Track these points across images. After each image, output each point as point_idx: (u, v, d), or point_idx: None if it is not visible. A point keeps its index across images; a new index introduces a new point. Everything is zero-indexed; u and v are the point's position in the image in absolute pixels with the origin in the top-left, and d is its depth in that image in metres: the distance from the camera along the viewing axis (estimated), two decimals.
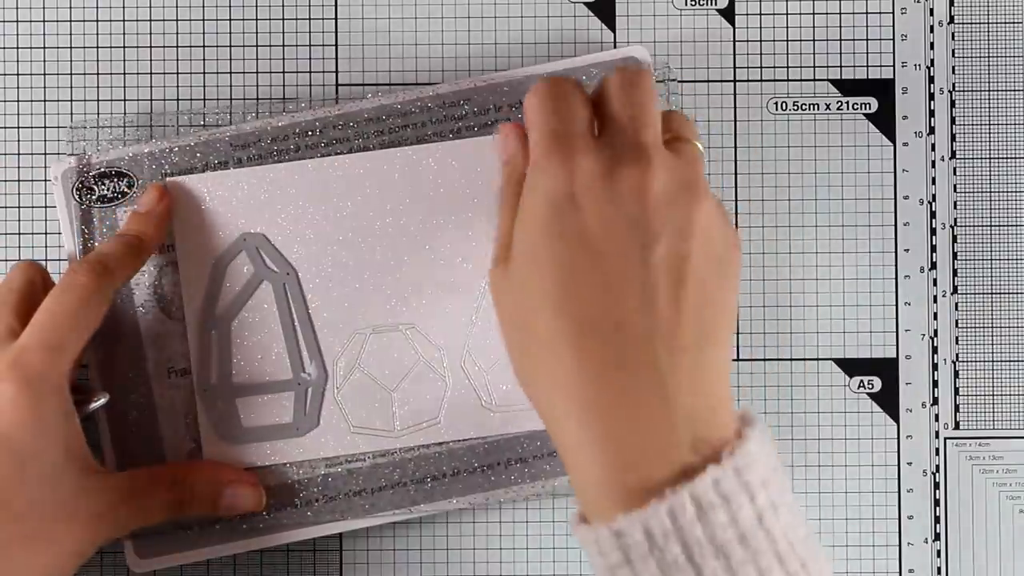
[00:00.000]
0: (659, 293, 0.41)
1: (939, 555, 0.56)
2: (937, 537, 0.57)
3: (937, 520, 0.57)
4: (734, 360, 0.57)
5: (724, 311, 0.44)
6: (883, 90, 0.57)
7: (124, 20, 0.57)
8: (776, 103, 0.57)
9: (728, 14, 0.57)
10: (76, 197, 0.54)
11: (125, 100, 0.57)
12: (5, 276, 0.52)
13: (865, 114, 0.57)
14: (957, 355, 0.57)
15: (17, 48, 0.57)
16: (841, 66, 0.57)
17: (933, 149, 0.57)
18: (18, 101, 0.57)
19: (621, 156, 0.43)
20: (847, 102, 0.57)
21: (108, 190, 0.54)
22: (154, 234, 0.53)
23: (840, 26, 0.57)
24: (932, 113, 0.57)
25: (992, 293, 0.57)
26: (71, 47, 0.57)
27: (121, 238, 0.52)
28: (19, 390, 0.47)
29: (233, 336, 0.54)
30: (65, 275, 0.50)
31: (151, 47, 0.57)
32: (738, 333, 0.57)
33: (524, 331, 0.44)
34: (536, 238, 0.43)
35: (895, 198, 0.57)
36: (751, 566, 0.39)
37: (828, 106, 0.57)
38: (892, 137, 0.57)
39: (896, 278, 0.57)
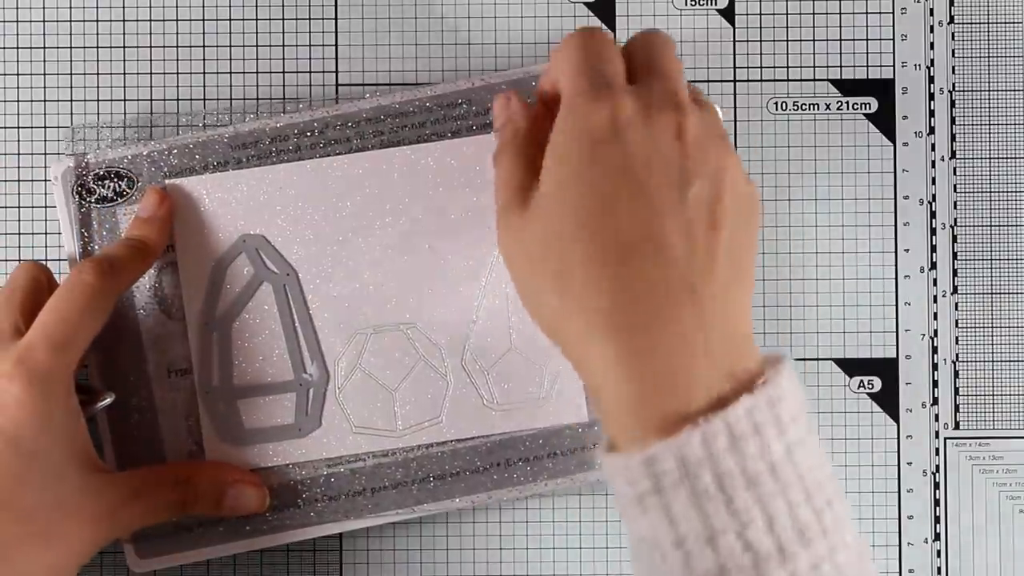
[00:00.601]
0: (696, 227, 0.42)
1: (939, 555, 0.57)
2: (937, 537, 0.57)
3: (937, 520, 0.57)
4: None
5: (750, 255, 0.45)
6: (883, 90, 0.57)
7: (124, 20, 0.57)
8: (776, 103, 0.57)
9: (728, 14, 0.57)
10: (76, 197, 0.54)
11: (125, 100, 0.57)
12: (9, 275, 0.52)
13: (865, 114, 0.57)
14: (957, 355, 0.57)
15: (17, 48, 0.57)
16: (841, 66, 0.57)
17: (933, 149, 0.57)
18: (18, 101, 0.57)
19: (658, 102, 0.43)
20: (847, 102, 0.57)
21: (108, 190, 0.54)
22: (157, 238, 0.53)
23: (840, 26, 0.57)
24: (932, 113, 0.57)
25: (992, 293, 0.57)
26: (71, 47, 0.57)
27: (126, 242, 0.52)
28: (25, 388, 0.47)
29: (234, 337, 0.54)
30: (71, 274, 0.50)
31: (151, 47, 0.57)
32: None
33: (554, 264, 0.43)
34: (574, 168, 0.43)
35: (895, 198, 0.57)
36: (780, 499, 0.39)
37: (828, 106, 0.57)
38: (892, 137, 0.57)
39: (896, 278, 0.57)
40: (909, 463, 0.57)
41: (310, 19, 0.57)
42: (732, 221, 0.43)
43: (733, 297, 0.43)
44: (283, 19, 0.57)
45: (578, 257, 0.42)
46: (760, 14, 0.57)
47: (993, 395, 0.57)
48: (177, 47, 0.57)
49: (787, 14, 0.57)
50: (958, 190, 0.57)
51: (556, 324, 0.44)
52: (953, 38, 0.57)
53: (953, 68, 0.57)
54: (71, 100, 0.57)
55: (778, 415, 0.39)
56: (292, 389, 0.54)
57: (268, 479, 0.54)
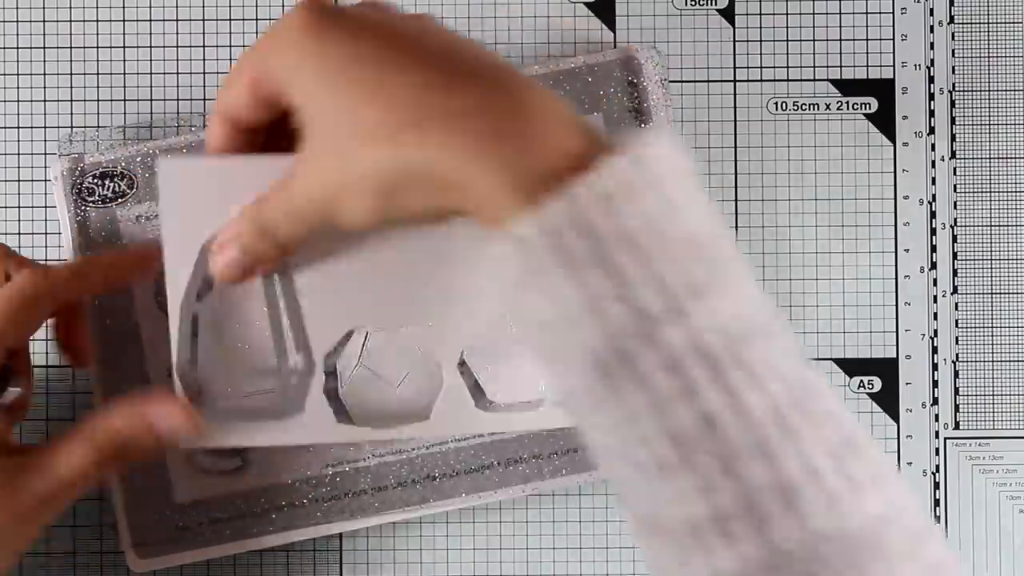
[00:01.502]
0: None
1: None
2: None
3: (937, 520, 0.57)
4: None
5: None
6: (883, 90, 0.57)
7: (124, 20, 0.57)
8: (776, 103, 0.57)
9: (728, 14, 0.57)
10: (76, 197, 0.54)
11: (125, 100, 0.57)
12: None
13: (865, 114, 0.57)
14: (957, 355, 0.57)
15: (17, 48, 0.57)
16: (841, 66, 0.57)
17: (933, 149, 0.57)
18: (18, 101, 0.57)
19: None
20: (847, 102, 0.57)
21: (108, 190, 0.54)
22: (103, 280, 0.51)
23: (840, 26, 0.57)
24: (932, 113, 0.57)
25: (992, 293, 0.57)
26: (71, 47, 0.57)
27: (77, 264, 0.52)
28: None
29: (217, 322, 0.54)
30: (23, 274, 0.48)
31: (151, 47, 0.57)
32: None
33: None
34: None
35: (895, 198, 0.57)
36: (664, 256, 0.35)
37: (828, 106, 0.57)
38: (892, 137, 0.57)
39: (896, 278, 0.57)
40: (909, 463, 0.57)
41: None
42: None
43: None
44: None
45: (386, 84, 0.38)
46: (760, 14, 0.57)
47: (993, 395, 0.57)
48: (177, 47, 0.57)
49: (787, 14, 0.57)
50: (958, 190, 0.57)
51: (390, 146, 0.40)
52: (953, 38, 0.57)
53: (953, 68, 0.57)
54: (71, 100, 0.57)
55: (652, 172, 0.36)
56: (273, 375, 0.53)
57: (270, 479, 0.54)
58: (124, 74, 0.57)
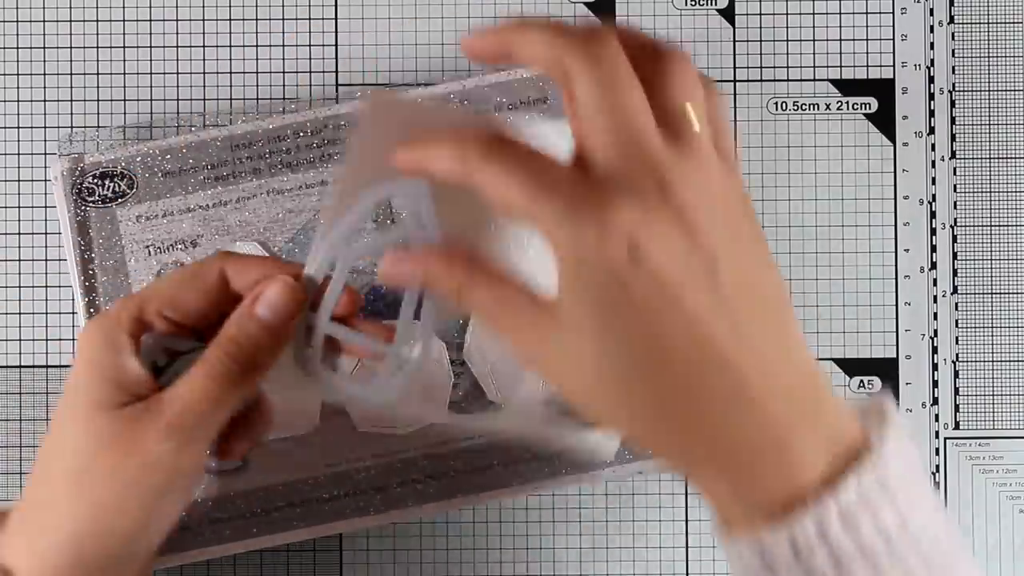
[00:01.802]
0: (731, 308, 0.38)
1: None
2: None
3: None
4: None
5: (777, 285, 0.40)
6: (883, 90, 0.57)
7: (124, 20, 0.57)
8: (776, 103, 0.57)
9: (728, 14, 0.57)
10: (76, 197, 0.54)
11: (125, 100, 0.57)
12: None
13: (865, 114, 0.57)
14: (957, 355, 0.57)
15: (17, 48, 0.57)
16: (841, 66, 0.57)
17: (933, 149, 0.57)
18: (18, 101, 0.57)
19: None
20: (847, 102, 0.57)
21: (108, 190, 0.54)
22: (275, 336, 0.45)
23: (840, 26, 0.57)
24: (932, 113, 0.57)
25: (992, 293, 0.57)
26: (71, 47, 0.57)
27: (260, 325, 0.45)
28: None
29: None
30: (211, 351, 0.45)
31: (151, 47, 0.57)
32: None
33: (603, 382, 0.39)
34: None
35: (895, 198, 0.57)
36: (898, 569, 0.37)
37: (828, 106, 0.57)
38: (892, 137, 0.57)
39: (896, 278, 0.57)
40: None
41: (310, 19, 0.57)
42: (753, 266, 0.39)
43: (783, 351, 0.39)
44: (283, 19, 0.57)
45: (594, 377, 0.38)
46: (760, 14, 0.57)
47: (993, 395, 0.57)
48: (177, 47, 0.57)
49: (787, 14, 0.57)
50: (958, 190, 0.57)
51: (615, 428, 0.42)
52: (953, 38, 0.57)
53: (953, 68, 0.57)
54: (71, 100, 0.57)
55: (885, 482, 0.37)
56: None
57: (270, 479, 0.54)
58: (124, 74, 0.57)
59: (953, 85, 0.57)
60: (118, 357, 0.44)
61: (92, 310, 0.54)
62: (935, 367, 0.57)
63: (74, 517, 0.44)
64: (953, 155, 0.57)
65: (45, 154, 0.57)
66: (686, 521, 0.56)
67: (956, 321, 0.57)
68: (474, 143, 0.38)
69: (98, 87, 0.57)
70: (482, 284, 0.39)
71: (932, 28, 0.57)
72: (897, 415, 0.39)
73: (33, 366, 0.56)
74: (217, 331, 0.45)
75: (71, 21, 0.57)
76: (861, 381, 0.57)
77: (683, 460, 0.39)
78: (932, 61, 0.57)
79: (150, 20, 0.57)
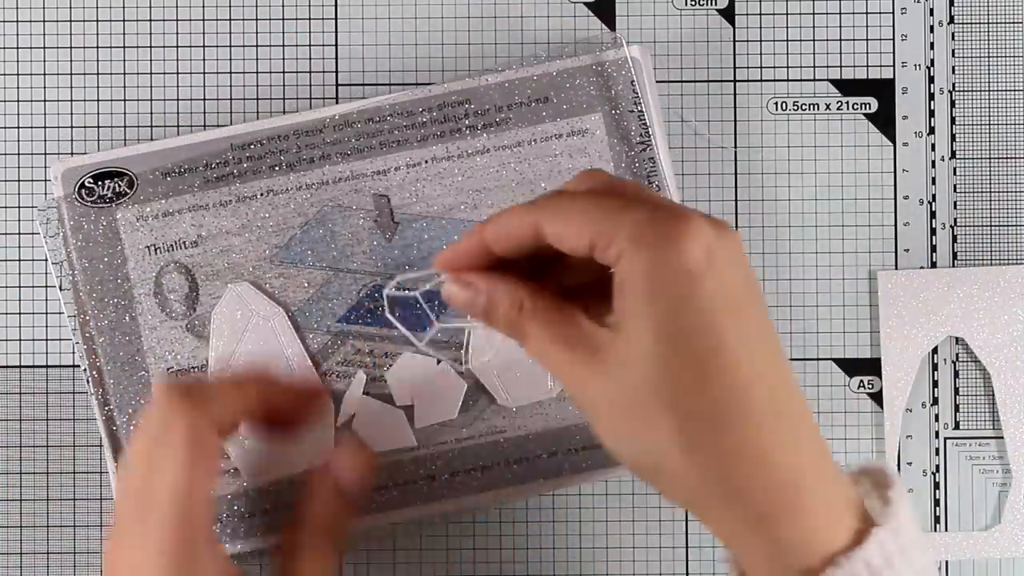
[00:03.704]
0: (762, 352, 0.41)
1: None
2: None
3: (937, 520, 0.57)
4: None
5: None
6: (883, 90, 0.57)
7: (124, 20, 0.57)
8: (776, 103, 0.57)
9: (728, 14, 0.57)
10: (75, 197, 0.54)
11: (125, 100, 0.57)
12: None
13: (865, 114, 0.57)
14: (957, 355, 0.57)
15: (17, 48, 0.57)
16: (841, 66, 0.57)
17: (933, 149, 0.57)
18: (18, 101, 0.57)
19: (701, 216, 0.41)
20: (847, 102, 0.57)
21: (108, 190, 0.54)
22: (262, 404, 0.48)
23: (840, 26, 0.57)
24: (932, 113, 0.57)
25: None
26: (71, 47, 0.57)
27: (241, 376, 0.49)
28: None
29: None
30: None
31: (151, 47, 0.57)
32: None
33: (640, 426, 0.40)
34: (671, 313, 0.39)
35: (895, 198, 0.57)
36: None
37: (828, 106, 0.57)
38: (892, 137, 0.57)
39: None
40: (909, 463, 0.57)
41: (310, 19, 0.57)
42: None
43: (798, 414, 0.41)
44: (283, 19, 0.57)
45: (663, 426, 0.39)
46: (760, 14, 0.57)
47: (993, 395, 0.57)
48: (177, 47, 0.57)
49: (787, 14, 0.57)
50: (958, 190, 0.57)
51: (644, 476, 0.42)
52: (953, 38, 0.57)
53: (953, 68, 0.57)
54: (71, 100, 0.57)
55: (903, 544, 0.39)
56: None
57: (269, 479, 0.54)
58: (124, 74, 0.57)
59: (953, 85, 0.57)
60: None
61: (90, 311, 0.54)
62: (935, 367, 0.57)
63: None
64: (953, 155, 0.57)
65: (45, 154, 0.56)
66: (686, 521, 0.57)
67: None
68: (542, 198, 0.41)
69: (98, 87, 0.57)
70: (539, 320, 0.41)
71: (932, 28, 0.57)
72: (900, 482, 0.42)
73: (33, 366, 0.56)
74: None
75: (71, 21, 0.57)
76: (861, 381, 0.57)
77: (712, 496, 0.40)
78: (932, 61, 0.57)
79: (150, 20, 0.57)
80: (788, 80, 0.57)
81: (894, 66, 0.57)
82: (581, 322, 0.41)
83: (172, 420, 0.44)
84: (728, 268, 0.39)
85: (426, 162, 0.55)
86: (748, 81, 0.57)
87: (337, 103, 0.56)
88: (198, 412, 0.44)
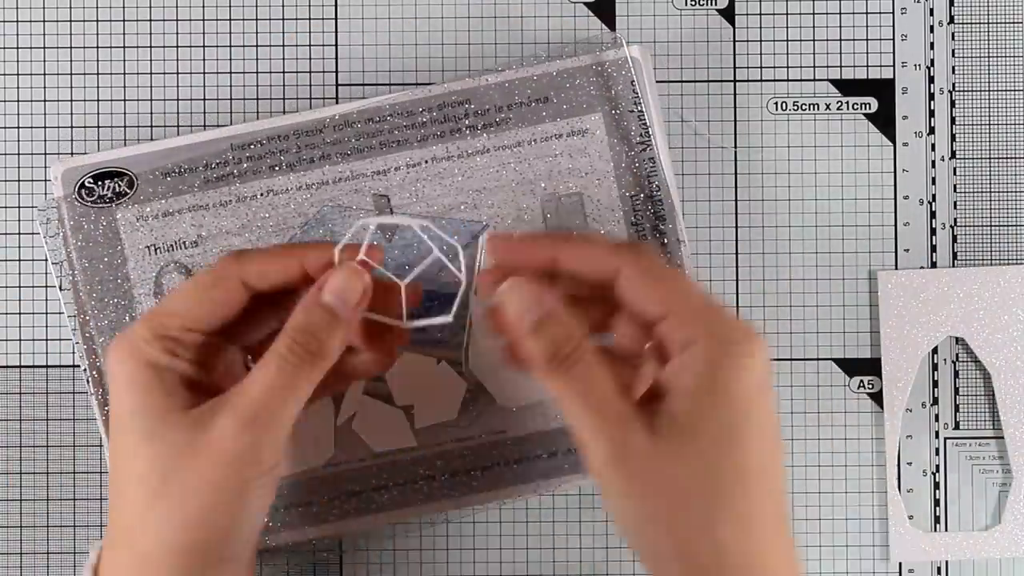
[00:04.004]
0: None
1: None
2: None
3: (937, 520, 0.57)
4: None
5: None
6: (883, 90, 0.57)
7: (124, 20, 0.57)
8: (776, 103, 0.57)
9: (728, 14, 0.57)
10: (75, 197, 0.54)
11: (125, 100, 0.57)
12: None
13: (865, 114, 0.57)
14: (957, 355, 0.57)
15: (17, 48, 0.57)
16: (841, 66, 0.57)
17: (933, 149, 0.57)
18: (18, 101, 0.57)
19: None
20: (847, 102, 0.57)
21: (108, 190, 0.54)
22: (299, 268, 0.46)
23: (840, 26, 0.57)
24: (932, 113, 0.57)
25: None
26: (71, 47, 0.57)
27: (322, 309, 0.44)
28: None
29: None
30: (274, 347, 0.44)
31: (151, 47, 0.57)
32: None
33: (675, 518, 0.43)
34: (743, 418, 0.43)
35: (895, 198, 0.57)
36: None
37: (828, 106, 0.57)
38: (892, 137, 0.57)
39: None
40: (909, 463, 0.57)
41: (310, 19, 0.57)
42: None
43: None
44: (283, 19, 0.57)
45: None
46: (760, 14, 0.57)
47: (993, 395, 0.57)
48: (177, 47, 0.57)
49: (787, 14, 0.57)
50: (958, 190, 0.57)
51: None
52: (953, 38, 0.57)
53: (953, 68, 0.57)
54: (71, 100, 0.57)
55: None
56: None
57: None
58: (124, 74, 0.57)
59: (953, 85, 0.57)
60: (164, 368, 0.44)
61: (90, 311, 0.54)
62: (935, 367, 0.57)
63: (165, 533, 0.42)
64: (953, 155, 0.57)
65: (45, 154, 0.57)
66: None
67: None
68: (627, 247, 0.44)
69: (98, 87, 0.57)
70: (584, 370, 0.42)
71: (932, 28, 0.57)
72: None
73: (33, 366, 0.56)
74: (245, 332, 0.46)
75: (71, 21, 0.57)
76: (861, 381, 0.57)
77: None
78: (932, 61, 0.57)
79: (150, 20, 0.57)
80: (788, 80, 0.57)
81: (894, 66, 0.57)
82: (622, 397, 0.42)
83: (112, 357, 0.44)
84: (772, 396, 0.43)
85: (426, 162, 0.55)
86: (748, 81, 0.57)
87: (337, 103, 0.56)
88: (127, 337, 0.44)
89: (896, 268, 0.57)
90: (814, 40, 0.57)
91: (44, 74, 0.57)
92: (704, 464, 0.42)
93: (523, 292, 0.43)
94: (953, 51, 0.57)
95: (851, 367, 0.57)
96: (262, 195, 0.55)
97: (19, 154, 0.57)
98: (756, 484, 0.42)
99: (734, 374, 0.42)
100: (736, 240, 0.57)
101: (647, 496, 0.42)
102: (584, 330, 0.43)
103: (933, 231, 0.57)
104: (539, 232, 0.44)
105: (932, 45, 0.57)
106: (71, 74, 0.57)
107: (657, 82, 0.56)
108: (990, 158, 0.57)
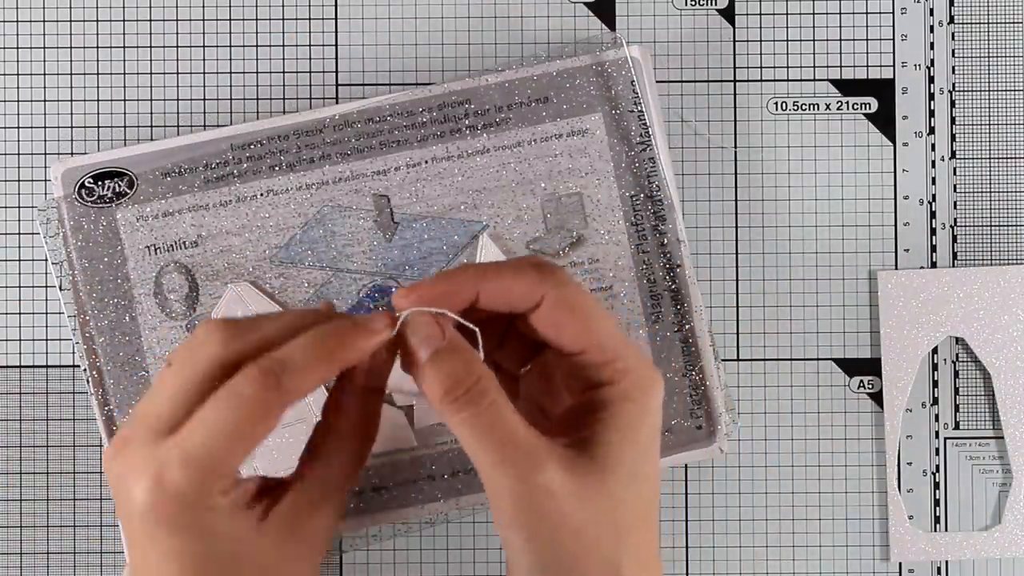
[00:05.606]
0: None
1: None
2: None
3: (937, 520, 0.57)
4: (735, 360, 0.57)
5: None
6: (883, 90, 0.57)
7: (124, 20, 0.57)
8: (776, 103, 0.57)
9: (728, 14, 0.57)
10: (75, 197, 0.54)
11: (125, 100, 0.57)
12: (193, 335, 0.42)
13: (865, 114, 0.57)
14: (957, 355, 0.57)
15: (17, 48, 0.57)
16: (841, 66, 0.57)
17: (933, 149, 0.57)
18: (18, 101, 0.57)
19: None
20: (847, 102, 0.57)
21: (108, 190, 0.54)
22: (338, 366, 0.42)
23: (840, 26, 0.57)
24: (932, 113, 0.57)
25: None
26: (71, 47, 0.57)
27: (312, 342, 0.41)
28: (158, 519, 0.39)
29: None
30: (232, 381, 0.40)
31: (151, 47, 0.57)
32: (738, 333, 0.57)
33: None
34: (651, 452, 0.44)
35: (895, 198, 0.57)
36: None
37: (828, 106, 0.57)
38: (892, 137, 0.57)
39: None
40: (909, 463, 0.57)
41: (310, 19, 0.57)
42: None
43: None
44: (283, 19, 0.57)
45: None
46: (760, 14, 0.57)
47: (993, 395, 0.57)
48: (177, 47, 0.57)
49: (787, 14, 0.57)
50: (958, 190, 0.57)
51: None
52: (953, 38, 0.57)
53: (953, 68, 0.57)
54: (71, 100, 0.57)
55: None
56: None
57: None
58: (124, 74, 0.57)
59: (953, 85, 0.57)
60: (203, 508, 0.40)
61: (90, 311, 0.54)
62: (935, 367, 0.57)
63: None
64: (953, 155, 0.57)
65: (45, 154, 0.57)
66: (686, 521, 0.57)
67: None
68: (549, 269, 0.44)
69: (98, 87, 0.57)
70: (485, 408, 0.41)
71: (932, 28, 0.57)
72: None
73: (33, 366, 0.56)
74: None
75: (71, 21, 0.57)
76: (861, 381, 0.57)
77: None
78: (932, 61, 0.57)
79: (150, 20, 0.57)
80: (788, 80, 0.57)
81: (894, 66, 0.57)
82: (532, 433, 0.41)
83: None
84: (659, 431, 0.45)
85: (426, 162, 0.55)
86: (748, 81, 0.57)
87: (337, 103, 0.56)
88: (185, 496, 0.40)
89: (896, 268, 0.57)
90: (814, 40, 0.57)
91: (44, 74, 0.57)
92: (612, 504, 0.42)
93: (418, 324, 0.41)
94: (953, 51, 0.57)
95: (851, 367, 0.57)
96: (262, 195, 0.55)
97: (19, 154, 0.57)
98: (651, 517, 0.44)
99: (648, 418, 0.43)
100: (736, 240, 0.57)
101: (555, 541, 0.41)
102: (486, 368, 0.41)
103: (933, 231, 0.57)
104: (455, 269, 0.42)
105: (932, 45, 0.57)
106: (71, 74, 0.57)
107: (657, 82, 0.56)
108: (990, 158, 0.57)
